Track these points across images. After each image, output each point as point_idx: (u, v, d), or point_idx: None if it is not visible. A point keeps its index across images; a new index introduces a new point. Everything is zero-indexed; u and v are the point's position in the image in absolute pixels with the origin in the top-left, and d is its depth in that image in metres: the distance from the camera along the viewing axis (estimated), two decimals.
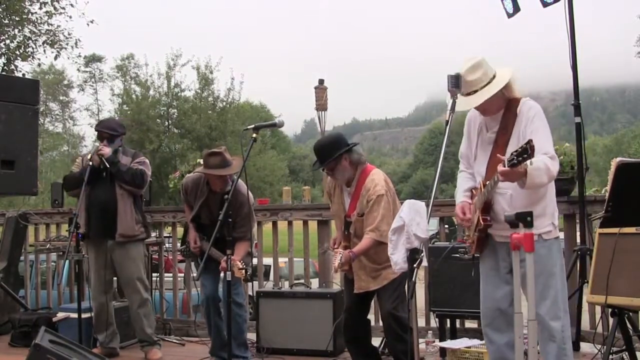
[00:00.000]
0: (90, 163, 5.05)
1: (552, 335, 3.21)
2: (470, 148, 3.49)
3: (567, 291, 3.41)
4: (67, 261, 6.31)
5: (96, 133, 5.27)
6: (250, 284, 4.89)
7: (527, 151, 2.85)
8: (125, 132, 5.37)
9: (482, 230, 3.29)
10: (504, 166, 2.98)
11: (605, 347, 3.94)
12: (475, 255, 3.45)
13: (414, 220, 3.21)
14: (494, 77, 3.26)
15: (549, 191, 3.31)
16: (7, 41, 16.65)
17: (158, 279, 6.52)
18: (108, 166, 5.02)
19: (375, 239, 3.96)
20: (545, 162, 3.09)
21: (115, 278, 5.46)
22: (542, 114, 3.30)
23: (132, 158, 5.23)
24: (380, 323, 5.41)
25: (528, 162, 2.94)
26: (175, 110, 23.57)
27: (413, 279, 2.97)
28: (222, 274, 4.32)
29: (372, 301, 4.48)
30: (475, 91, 3.22)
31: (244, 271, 4.29)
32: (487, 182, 3.21)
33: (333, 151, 4.12)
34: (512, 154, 2.93)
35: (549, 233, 3.27)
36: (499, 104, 3.31)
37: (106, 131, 5.16)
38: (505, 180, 3.07)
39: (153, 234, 6.28)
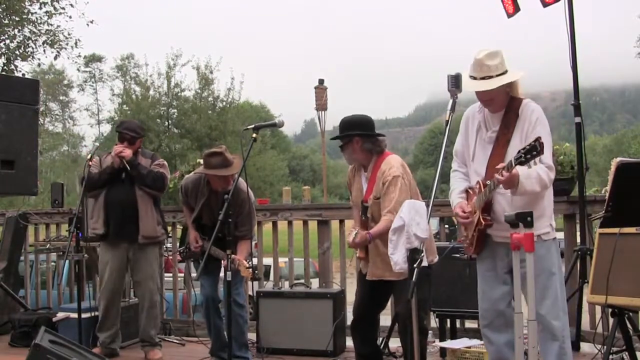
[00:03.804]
0: (113, 163, 5.05)
1: (554, 334, 3.22)
2: (467, 146, 3.48)
3: (565, 291, 3.43)
4: (67, 261, 6.31)
5: (117, 134, 5.27)
6: (250, 283, 4.90)
7: (536, 148, 2.86)
8: (144, 134, 5.40)
9: (482, 230, 3.30)
10: (507, 170, 2.99)
11: (605, 347, 3.94)
12: (472, 256, 3.45)
13: (414, 220, 3.20)
14: (507, 71, 3.27)
15: (548, 193, 3.32)
16: (7, 41, 16.67)
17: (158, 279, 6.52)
18: (129, 168, 5.03)
19: (392, 220, 3.79)
20: (537, 171, 3.11)
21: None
22: (544, 118, 3.30)
23: (151, 160, 5.24)
24: (381, 323, 5.41)
25: (521, 168, 2.94)
26: (175, 110, 23.60)
27: (413, 279, 2.97)
28: (222, 274, 4.32)
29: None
30: (491, 77, 3.22)
31: (251, 270, 4.31)
32: (489, 182, 3.21)
33: (348, 130, 4.14)
34: (519, 151, 2.93)
35: (548, 234, 3.30)
36: (503, 100, 3.31)
37: (128, 133, 5.16)
38: (506, 187, 3.08)
39: None
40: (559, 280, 3.30)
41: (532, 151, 2.87)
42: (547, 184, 3.18)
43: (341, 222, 5.79)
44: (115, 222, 5.11)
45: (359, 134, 4.11)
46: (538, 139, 2.87)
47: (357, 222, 4.26)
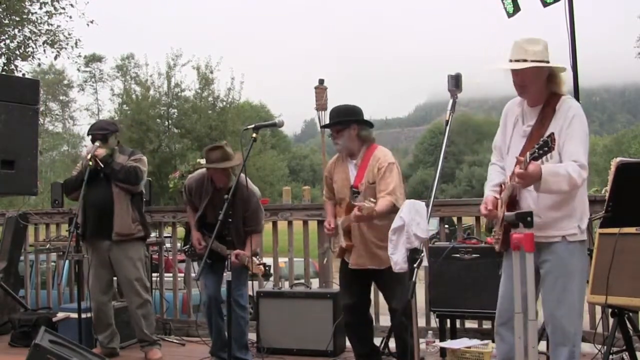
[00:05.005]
0: (90, 163, 5.06)
1: (567, 338, 3.16)
2: (504, 140, 3.43)
3: (584, 295, 3.33)
4: (67, 261, 6.32)
5: (90, 136, 5.26)
6: (250, 283, 4.89)
7: (547, 144, 2.82)
8: (116, 129, 5.36)
9: (507, 227, 3.22)
10: (523, 167, 2.94)
11: (605, 347, 3.94)
12: (502, 250, 3.36)
13: (414, 220, 3.20)
14: (548, 62, 3.21)
15: (579, 193, 3.22)
16: (7, 41, 16.66)
17: (158, 279, 6.53)
18: (102, 166, 5.03)
19: (392, 201, 3.94)
20: (567, 170, 3.03)
21: (115, 278, 5.46)
22: (582, 116, 3.22)
23: (129, 156, 5.24)
24: (381, 323, 5.42)
25: (545, 165, 2.91)
26: (175, 110, 23.55)
27: (413, 279, 2.97)
28: (224, 274, 4.32)
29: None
30: (525, 60, 3.17)
31: (262, 266, 4.31)
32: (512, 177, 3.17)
33: (346, 116, 4.24)
34: (534, 146, 2.89)
35: (574, 236, 3.20)
36: (540, 93, 3.25)
37: (98, 132, 5.17)
38: (522, 184, 3.03)
39: (153, 234, 6.28)
40: (579, 284, 3.22)
41: (544, 147, 2.83)
42: (577, 183, 3.07)
43: None
44: (92, 221, 5.12)
45: (357, 121, 4.22)
46: (551, 135, 2.83)
47: (332, 215, 4.31)
